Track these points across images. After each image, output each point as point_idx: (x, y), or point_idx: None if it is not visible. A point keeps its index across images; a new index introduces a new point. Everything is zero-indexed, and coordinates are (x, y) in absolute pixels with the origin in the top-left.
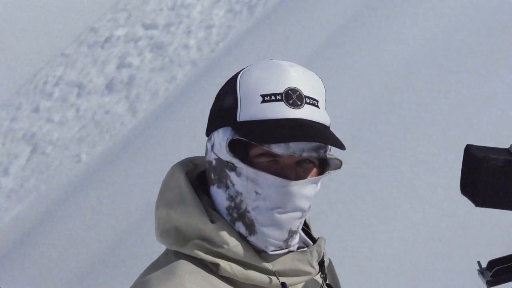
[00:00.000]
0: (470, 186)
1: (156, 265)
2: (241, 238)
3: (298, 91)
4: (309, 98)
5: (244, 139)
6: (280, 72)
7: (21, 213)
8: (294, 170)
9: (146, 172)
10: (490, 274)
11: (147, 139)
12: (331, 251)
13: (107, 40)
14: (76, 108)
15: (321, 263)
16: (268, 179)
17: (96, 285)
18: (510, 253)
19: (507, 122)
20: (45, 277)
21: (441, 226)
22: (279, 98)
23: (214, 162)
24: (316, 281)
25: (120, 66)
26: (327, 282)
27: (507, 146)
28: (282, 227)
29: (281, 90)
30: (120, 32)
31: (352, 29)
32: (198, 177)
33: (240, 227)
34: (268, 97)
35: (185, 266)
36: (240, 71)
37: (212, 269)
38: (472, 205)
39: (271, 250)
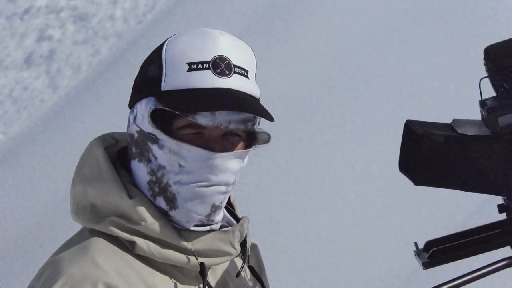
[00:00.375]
0: (409, 164)
1: (70, 243)
2: (161, 215)
3: (227, 60)
4: (239, 67)
5: (168, 109)
6: (209, 40)
7: None
8: (219, 143)
9: (67, 153)
10: (426, 256)
11: (68, 117)
12: (262, 233)
13: (26, 11)
14: None
15: (243, 244)
16: (192, 151)
17: None
18: (448, 234)
19: (449, 96)
20: None
21: (377, 205)
22: (206, 66)
23: (135, 135)
24: (236, 262)
25: (40, 39)
26: (250, 264)
27: (448, 121)
28: (205, 201)
29: (208, 58)
30: (40, 2)
31: (287, 4)
32: (119, 153)
33: (161, 202)
34: (195, 66)
35: (98, 243)
36: (168, 39)
37: (128, 247)
38: (411, 184)
39: (192, 225)
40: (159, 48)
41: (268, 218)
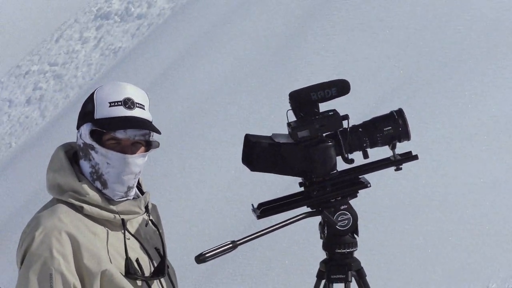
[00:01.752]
0: (248, 158)
1: (45, 207)
2: (98, 191)
3: (132, 99)
4: (139, 104)
5: (99, 129)
6: (120, 88)
7: None
8: (130, 148)
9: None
10: (259, 212)
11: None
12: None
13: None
14: None
15: (146, 207)
16: (114, 155)
17: None
18: (273, 199)
19: None
20: None
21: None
22: (119, 103)
23: (81, 145)
24: (144, 218)
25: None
26: (151, 218)
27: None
28: (123, 184)
29: (120, 98)
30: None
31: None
32: (73, 154)
33: (98, 184)
34: (113, 104)
35: (62, 207)
36: (96, 88)
37: (80, 210)
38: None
39: (116, 198)
40: (92, 94)
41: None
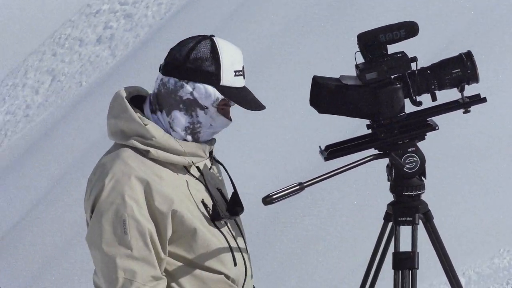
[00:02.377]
0: (315, 101)
1: (108, 152)
2: (166, 134)
3: (244, 67)
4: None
5: (228, 99)
6: (238, 52)
7: None
8: (229, 113)
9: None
10: (326, 153)
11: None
12: None
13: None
14: None
15: (211, 152)
16: (221, 120)
17: None
18: (339, 141)
19: None
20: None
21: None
22: (241, 73)
23: (184, 97)
24: (209, 162)
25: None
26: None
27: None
28: (211, 139)
29: (241, 67)
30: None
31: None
32: (132, 98)
33: (189, 137)
34: (237, 73)
35: (126, 151)
36: (214, 43)
37: (145, 154)
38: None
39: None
40: (214, 51)
41: None
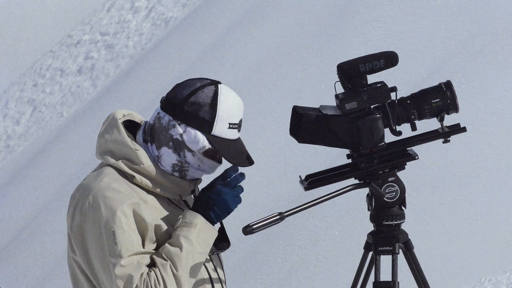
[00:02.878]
0: (295, 130)
1: (93, 172)
2: (153, 162)
3: (241, 120)
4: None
5: (216, 150)
6: (239, 105)
7: None
8: (220, 156)
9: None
10: (306, 183)
11: None
12: None
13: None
14: None
15: (193, 191)
16: (210, 163)
17: None
18: (319, 171)
19: None
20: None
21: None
22: (236, 126)
23: (174, 137)
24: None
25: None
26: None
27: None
28: (192, 183)
29: (237, 121)
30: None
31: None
32: (124, 122)
33: (176, 174)
34: (232, 125)
35: (109, 170)
36: (216, 91)
37: (130, 178)
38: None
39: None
40: (214, 100)
41: None
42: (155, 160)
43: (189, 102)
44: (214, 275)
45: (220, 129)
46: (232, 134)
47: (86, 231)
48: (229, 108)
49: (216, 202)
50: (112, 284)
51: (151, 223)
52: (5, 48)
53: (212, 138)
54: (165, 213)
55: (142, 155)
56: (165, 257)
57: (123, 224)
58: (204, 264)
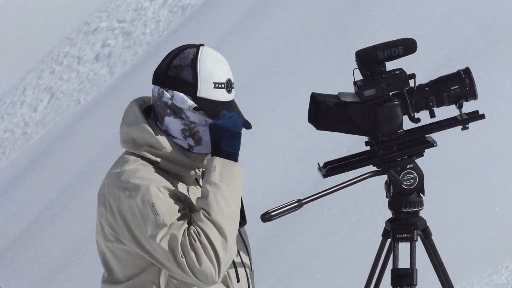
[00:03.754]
0: (313, 118)
1: (118, 161)
2: (176, 145)
3: (231, 81)
4: (233, 84)
5: (202, 110)
6: (222, 64)
7: None
8: None
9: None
10: (324, 170)
11: None
12: None
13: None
14: None
15: None
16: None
17: None
18: (337, 158)
19: None
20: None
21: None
22: (223, 86)
23: (169, 103)
24: None
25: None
26: None
27: None
28: None
29: (223, 80)
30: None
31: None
32: (146, 108)
33: (190, 141)
34: (217, 85)
35: (134, 158)
36: (197, 52)
37: (155, 165)
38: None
39: (209, 152)
40: (193, 60)
41: None
42: (168, 136)
43: (171, 67)
44: (237, 259)
45: (205, 89)
46: (221, 95)
47: (125, 213)
48: (211, 67)
49: (219, 134)
50: (163, 250)
51: (184, 199)
52: (22, 36)
53: (198, 100)
54: (189, 200)
55: (162, 139)
56: (198, 208)
57: (160, 195)
58: None
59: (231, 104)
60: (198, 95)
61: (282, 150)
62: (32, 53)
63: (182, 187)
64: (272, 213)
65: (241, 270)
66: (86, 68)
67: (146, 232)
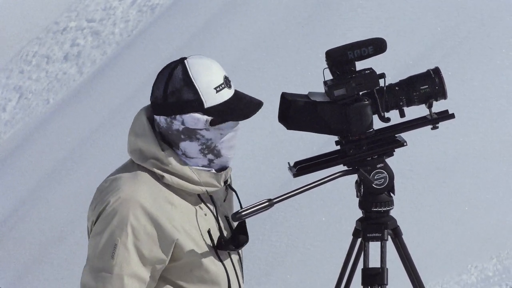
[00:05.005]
0: (284, 117)
1: (125, 170)
2: (181, 161)
3: (226, 76)
4: (228, 77)
5: (218, 119)
6: (213, 68)
7: None
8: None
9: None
10: (295, 170)
11: None
12: None
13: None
14: None
15: (226, 182)
16: (227, 124)
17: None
18: (308, 157)
19: None
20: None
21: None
22: (223, 86)
23: (182, 130)
24: (223, 190)
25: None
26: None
27: None
28: (233, 147)
29: (221, 80)
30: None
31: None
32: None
33: (210, 156)
34: (219, 87)
35: (144, 176)
36: (184, 68)
37: (160, 179)
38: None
39: (229, 164)
40: (186, 78)
41: None
42: (185, 161)
43: (169, 94)
44: (231, 274)
45: (210, 98)
46: (225, 95)
47: (95, 230)
48: (205, 75)
49: None
50: (88, 284)
51: (172, 235)
52: None
53: (208, 111)
54: (191, 215)
55: (169, 155)
56: None
57: (128, 241)
58: (222, 262)
59: (236, 96)
60: (205, 107)
61: (252, 149)
62: (0, 53)
63: (183, 203)
64: (243, 213)
65: (234, 286)
66: (55, 67)
67: (96, 260)
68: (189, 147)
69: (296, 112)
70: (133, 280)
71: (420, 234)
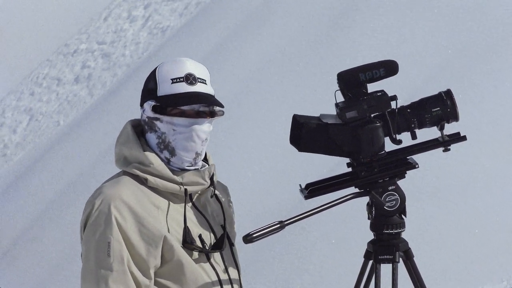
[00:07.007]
0: (296, 139)
1: (110, 179)
2: (164, 162)
3: (193, 75)
4: (200, 79)
5: (162, 105)
6: (181, 64)
7: None
8: (194, 117)
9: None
10: (306, 192)
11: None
12: None
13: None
14: None
15: (211, 179)
16: (180, 120)
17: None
18: (319, 179)
19: None
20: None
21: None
22: (181, 80)
23: (146, 120)
24: (210, 190)
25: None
26: (218, 195)
27: None
28: (191, 150)
29: (182, 74)
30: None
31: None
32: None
33: (166, 153)
34: (175, 80)
35: (126, 178)
36: (158, 65)
37: (144, 182)
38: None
39: (186, 166)
40: (154, 71)
41: None
42: (155, 152)
43: (143, 89)
44: (223, 276)
45: (164, 87)
46: (180, 87)
47: (86, 236)
48: (168, 67)
49: None
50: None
51: (158, 235)
52: (2, 57)
53: (159, 99)
54: (178, 217)
55: (150, 155)
56: None
57: (119, 235)
58: (212, 265)
59: (195, 95)
60: (158, 95)
61: (263, 171)
62: (11, 75)
63: (166, 206)
64: (254, 235)
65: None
66: (66, 89)
67: (92, 261)
68: (151, 139)
69: (308, 134)
70: (134, 268)
71: (432, 257)
